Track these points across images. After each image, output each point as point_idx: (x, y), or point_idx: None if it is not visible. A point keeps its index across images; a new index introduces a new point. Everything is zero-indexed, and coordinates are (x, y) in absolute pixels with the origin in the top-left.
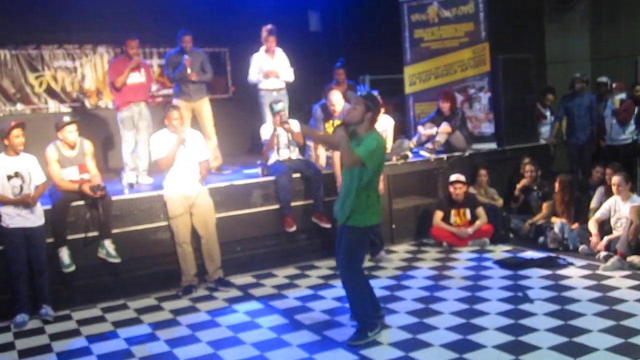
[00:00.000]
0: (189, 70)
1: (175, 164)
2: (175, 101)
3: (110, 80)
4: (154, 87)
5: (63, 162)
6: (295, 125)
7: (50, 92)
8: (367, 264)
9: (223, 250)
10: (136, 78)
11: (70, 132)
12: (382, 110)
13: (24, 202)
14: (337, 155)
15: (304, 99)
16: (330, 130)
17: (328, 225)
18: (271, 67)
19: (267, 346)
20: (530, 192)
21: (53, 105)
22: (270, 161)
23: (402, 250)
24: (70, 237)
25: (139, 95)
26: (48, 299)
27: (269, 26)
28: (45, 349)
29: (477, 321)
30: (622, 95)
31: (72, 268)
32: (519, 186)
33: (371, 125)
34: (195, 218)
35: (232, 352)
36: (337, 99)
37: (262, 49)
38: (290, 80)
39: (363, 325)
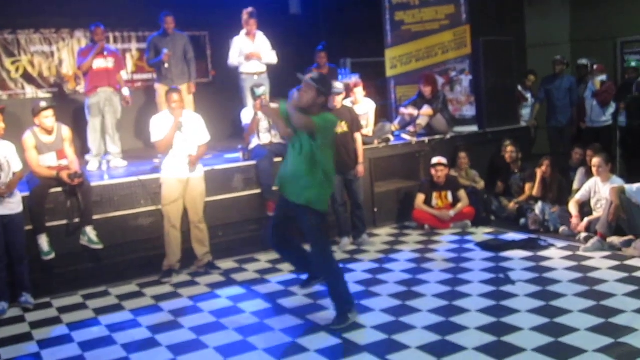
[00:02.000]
0: (166, 65)
1: (174, 147)
2: (157, 85)
3: (77, 65)
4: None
5: (41, 148)
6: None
7: (28, 77)
8: (349, 247)
9: None
10: (101, 63)
11: (47, 118)
12: (364, 92)
13: None
14: None
15: (285, 82)
16: None
17: None
18: (252, 50)
19: (250, 331)
20: (512, 175)
21: (30, 91)
22: (252, 146)
23: (384, 233)
24: (49, 224)
25: (104, 80)
26: (28, 286)
27: (250, 9)
28: (26, 337)
29: (459, 303)
30: (603, 77)
31: (52, 255)
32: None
33: (321, 110)
34: (188, 202)
35: (215, 337)
36: None
37: (243, 32)
38: (274, 62)
39: (342, 309)
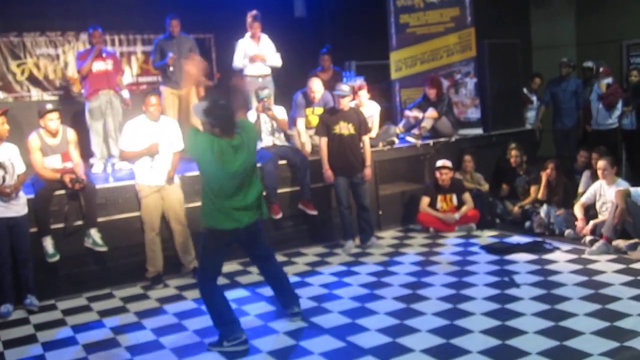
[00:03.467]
0: (171, 69)
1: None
2: (162, 88)
3: (77, 69)
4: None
5: (46, 151)
6: (280, 112)
7: (33, 80)
8: (354, 250)
9: None
10: (100, 66)
11: (52, 120)
12: (368, 95)
13: (3, 194)
14: (324, 142)
15: (289, 85)
16: (311, 116)
17: (314, 212)
18: (257, 52)
19: (254, 333)
20: (517, 178)
21: (36, 94)
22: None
23: (388, 236)
24: (54, 226)
25: (104, 82)
26: (32, 288)
27: (254, 12)
28: (30, 339)
29: (464, 306)
30: (609, 80)
31: (57, 257)
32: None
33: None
34: (167, 210)
35: None
36: (316, 86)
37: (247, 35)
38: (278, 65)
39: (221, 333)
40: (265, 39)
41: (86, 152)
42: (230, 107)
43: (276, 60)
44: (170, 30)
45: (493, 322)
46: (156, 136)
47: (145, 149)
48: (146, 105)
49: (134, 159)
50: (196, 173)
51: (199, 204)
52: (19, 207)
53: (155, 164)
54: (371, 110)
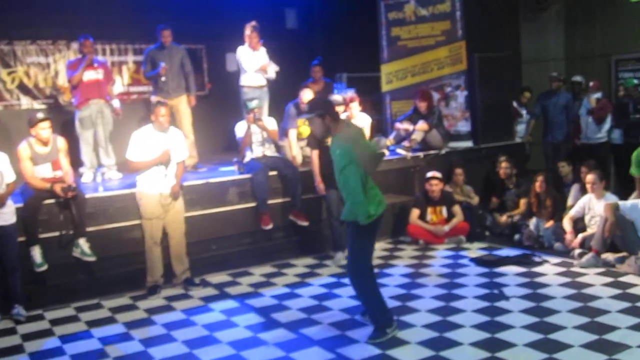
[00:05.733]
0: (163, 79)
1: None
2: (153, 98)
3: (67, 78)
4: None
5: (36, 159)
6: (271, 123)
7: (23, 88)
8: (344, 262)
9: (199, 249)
10: (91, 75)
11: (44, 129)
12: (359, 107)
13: None
14: (315, 153)
15: (281, 96)
16: (302, 128)
17: (305, 224)
18: (261, 63)
19: (243, 345)
20: (507, 191)
21: (26, 102)
22: (246, 159)
23: (378, 248)
24: (42, 235)
25: (95, 92)
26: (20, 298)
27: (253, 23)
28: (17, 349)
29: (454, 318)
30: (598, 94)
31: (45, 267)
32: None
33: (338, 123)
34: (167, 219)
35: (208, 351)
36: (307, 97)
37: (246, 45)
38: (273, 78)
39: (379, 323)
40: (262, 50)
41: (76, 162)
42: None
43: (275, 71)
44: (162, 41)
45: (483, 335)
46: (166, 146)
47: (157, 157)
48: (156, 115)
49: (144, 169)
50: (193, 183)
51: (194, 213)
52: (7, 216)
53: (169, 172)
54: (362, 122)
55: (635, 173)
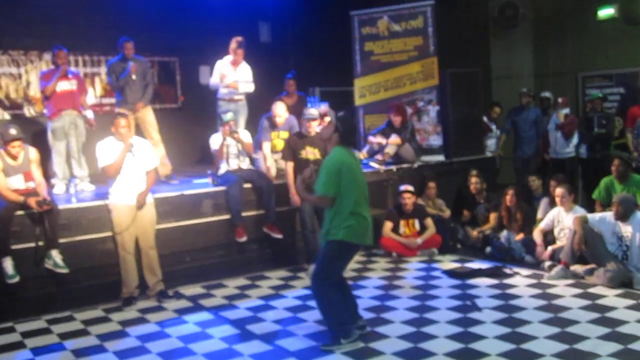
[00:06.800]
0: (133, 77)
1: (123, 172)
2: (117, 109)
3: (40, 89)
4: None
5: (8, 171)
6: (245, 135)
7: None
8: None
9: (173, 261)
10: (65, 86)
11: (14, 148)
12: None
13: None
14: (290, 166)
15: (255, 109)
16: (276, 140)
17: (279, 236)
18: (232, 79)
19: (218, 356)
20: (477, 205)
21: None
22: (221, 171)
23: (352, 260)
24: (14, 246)
25: (68, 102)
26: None
27: (239, 38)
28: None
29: (428, 329)
30: (567, 110)
31: (17, 279)
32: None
33: (336, 145)
34: (138, 229)
35: None
36: (279, 111)
37: (227, 58)
38: (250, 92)
39: (334, 332)
40: (244, 65)
41: (48, 173)
42: (354, 121)
43: (249, 88)
44: (125, 53)
45: (457, 345)
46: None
47: (122, 151)
48: (116, 126)
49: (117, 169)
50: (166, 194)
51: (168, 225)
52: None
53: (139, 182)
54: None
55: (596, 197)
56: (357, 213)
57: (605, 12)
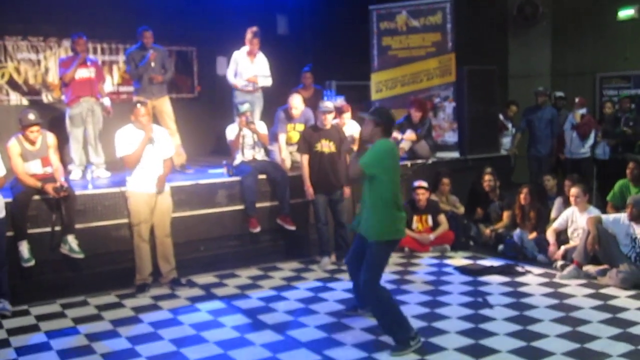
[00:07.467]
0: (152, 64)
1: (142, 161)
2: (135, 98)
3: (59, 76)
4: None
5: (26, 156)
6: (261, 127)
7: (13, 84)
8: (330, 267)
9: (186, 249)
10: (84, 73)
11: (32, 133)
12: (349, 115)
13: None
14: (305, 158)
15: (271, 101)
16: (291, 132)
17: (293, 228)
18: (252, 73)
19: (230, 345)
20: (491, 203)
21: (15, 98)
22: (236, 162)
23: None
24: (31, 231)
25: (87, 90)
26: (6, 293)
27: (254, 28)
28: (3, 343)
29: (439, 324)
30: (583, 110)
31: (32, 262)
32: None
33: (381, 136)
34: (155, 217)
35: (195, 349)
36: (296, 103)
37: (244, 49)
38: (268, 85)
39: (401, 336)
40: (261, 56)
41: (65, 159)
42: (389, 111)
43: (267, 81)
44: (144, 42)
45: (467, 341)
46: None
47: (142, 142)
48: (135, 115)
49: (137, 159)
50: (182, 183)
51: (183, 214)
52: None
53: (157, 170)
54: (351, 129)
55: (610, 199)
56: (400, 206)
57: (626, 13)
